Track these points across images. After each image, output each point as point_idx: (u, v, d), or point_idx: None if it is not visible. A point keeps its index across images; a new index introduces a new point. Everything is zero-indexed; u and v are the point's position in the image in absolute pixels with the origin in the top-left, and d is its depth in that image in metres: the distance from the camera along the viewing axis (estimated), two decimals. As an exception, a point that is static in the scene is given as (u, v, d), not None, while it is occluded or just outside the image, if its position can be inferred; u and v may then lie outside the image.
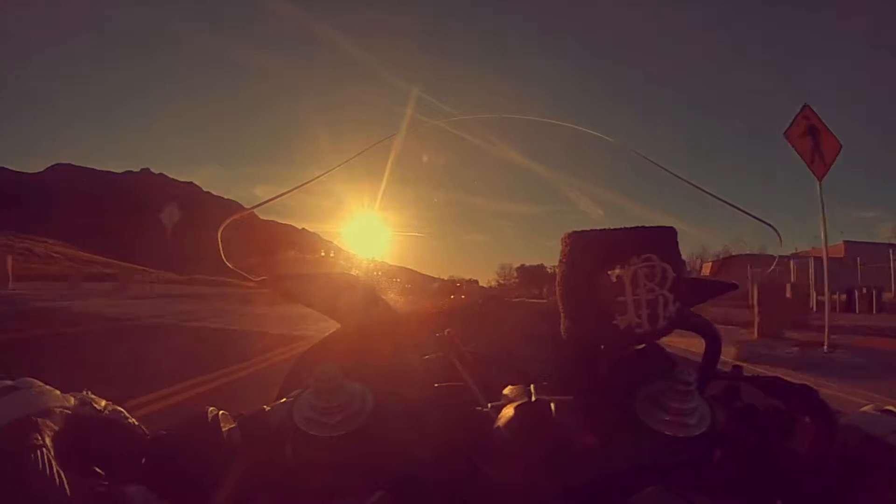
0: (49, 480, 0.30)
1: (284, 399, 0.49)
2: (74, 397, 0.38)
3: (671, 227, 0.46)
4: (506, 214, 1.10)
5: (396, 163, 0.71)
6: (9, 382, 0.35)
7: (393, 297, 0.72)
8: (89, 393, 0.39)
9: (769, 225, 0.64)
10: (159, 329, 8.83)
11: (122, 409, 0.40)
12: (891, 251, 20.01)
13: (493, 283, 1.30)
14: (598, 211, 0.79)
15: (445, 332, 0.61)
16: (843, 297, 15.56)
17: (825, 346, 6.49)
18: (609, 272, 0.43)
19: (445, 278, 1.18)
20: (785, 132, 6.51)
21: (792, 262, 15.36)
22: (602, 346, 0.48)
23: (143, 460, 0.39)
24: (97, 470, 0.36)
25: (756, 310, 8.18)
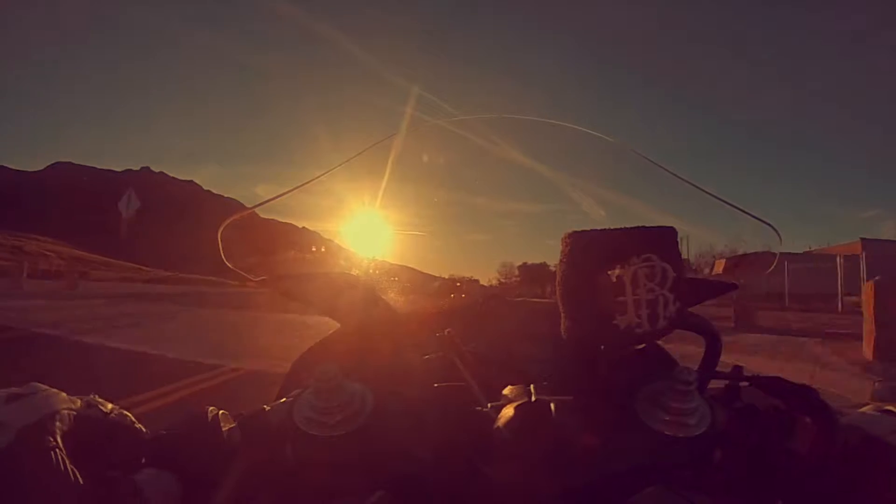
0: (65, 477, 0.32)
1: (284, 399, 0.49)
2: (81, 400, 0.38)
3: (671, 227, 0.46)
4: (507, 214, 1.10)
5: (397, 162, 0.71)
6: (16, 390, 0.36)
7: (393, 297, 0.72)
8: (96, 396, 0.40)
9: (769, 225, 0.64)
10: (34, 340, 6.23)
11: (127, 413, 0.41)
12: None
13: (494, 282, 1.30)
14: (600, 211, 0.79)
15: (446, 332, 0.61)
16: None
17: None
18: (609, 272, 0.43)
19: (446, 277, 1.18)
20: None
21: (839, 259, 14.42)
22: (602, 347, 0.48)
23: (143, 460, 0.39)
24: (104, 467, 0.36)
25: (871, 318, 5.91)
